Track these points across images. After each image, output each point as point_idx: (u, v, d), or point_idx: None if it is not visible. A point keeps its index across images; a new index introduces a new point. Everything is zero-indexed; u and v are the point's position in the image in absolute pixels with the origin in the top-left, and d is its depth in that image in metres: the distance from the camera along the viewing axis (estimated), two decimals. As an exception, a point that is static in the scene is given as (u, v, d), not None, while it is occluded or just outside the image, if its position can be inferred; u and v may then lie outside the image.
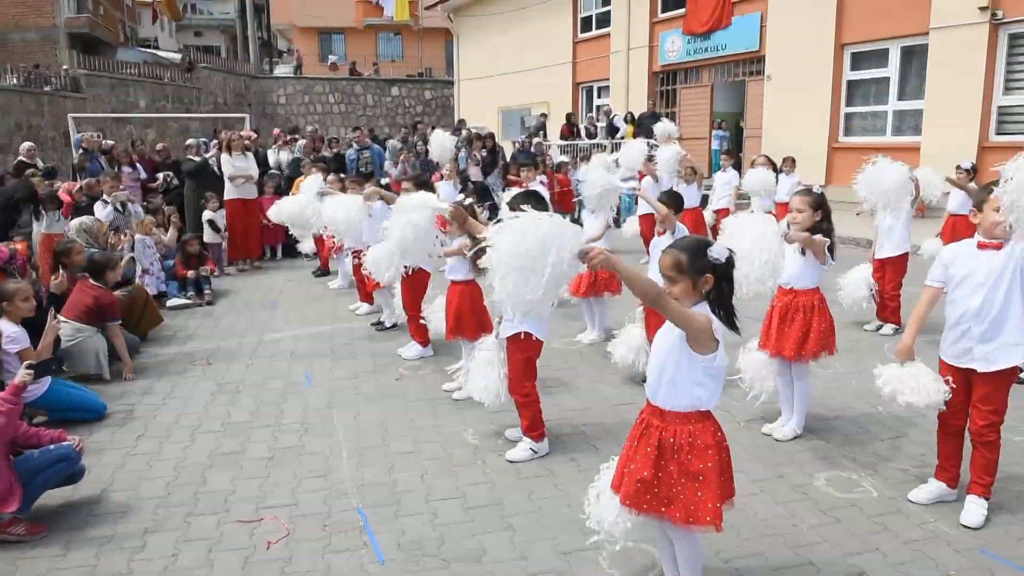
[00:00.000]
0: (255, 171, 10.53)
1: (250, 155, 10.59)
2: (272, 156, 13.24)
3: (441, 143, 10.74)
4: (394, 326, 6.92)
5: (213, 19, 55.24)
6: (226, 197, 10.23)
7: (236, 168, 10.17)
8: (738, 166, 12.58)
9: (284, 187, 11.87)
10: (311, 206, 7.92)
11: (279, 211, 8.34)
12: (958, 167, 7.56)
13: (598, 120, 19.00)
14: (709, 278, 2.51)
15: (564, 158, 15.76)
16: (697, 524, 2.53)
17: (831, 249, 4.05)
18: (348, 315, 7.68)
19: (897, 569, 3.10)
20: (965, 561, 3.15)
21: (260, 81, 30.74)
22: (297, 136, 14.81)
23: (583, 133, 18.48)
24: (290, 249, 11.42)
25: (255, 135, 12.69)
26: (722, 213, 10.54)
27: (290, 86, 30.95)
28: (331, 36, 37.01)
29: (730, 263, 2.52)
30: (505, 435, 4.43)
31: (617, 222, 6.43)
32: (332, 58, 34.68)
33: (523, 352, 4.11)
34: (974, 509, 3.43)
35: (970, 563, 3.13)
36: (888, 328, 6.53)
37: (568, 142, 17.86)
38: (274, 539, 3.41)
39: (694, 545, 2.72)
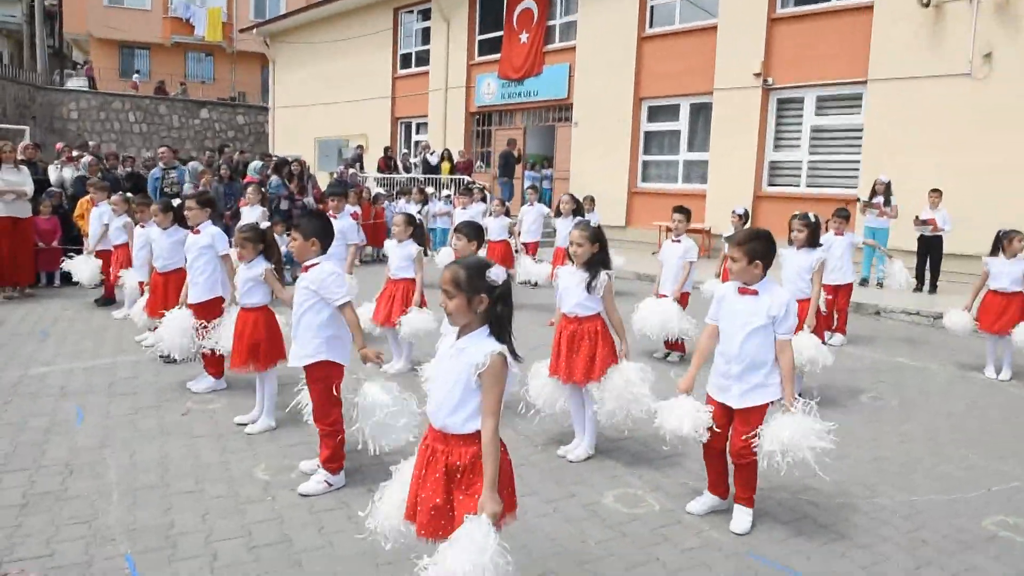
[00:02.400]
0: (30, 187, 9.44)
1: (24, 169, 9.50)
2: (54, 172, 11.98)
3: None
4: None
5: (-6, 22, 49.47)
6: (-8, 215, 9.06)
7: (6, 182, 9.06)
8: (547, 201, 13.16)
9: (68, 207, 10.77)
10: None
11: None
12: (733, 212, 8.39)
13: (415, 156, 19.16)
14: (484, 298, 2.52)
15: (381, 191, 15.69)
16: None
17: (607, 267, 4.42)
18: (133, 346, 7.03)
19: (675, 577, 3.29)
20: (734, 564, 3.41)
21: (48, 93, 27.89)
22: (84, 153, 13.53)
23: (400, 167, 18.53)
24: (71, 277, 10.35)
25: (32, 146, 11.43)
26: (531, 247, 10.95)
27: (84, 100, 28.35)
28: (134, 51, 34.40)
29: (506, 286, 2.55)
30: (300, 468, 4.22)
31: (426, 251, 6.48)
32: (136, 77, 32.12)
33: (324, 380, 3.96)
34: (741, 517, 3.74)
35: (738, 566, 3.39)
36: (675, 356, 7.05)
37: (385, 175, 17.81)
38: (17, 595, 2.98)
39: None
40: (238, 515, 3.73)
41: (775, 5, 13.65)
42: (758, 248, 3.56)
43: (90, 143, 16.45)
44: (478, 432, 2.53)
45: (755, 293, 3.59)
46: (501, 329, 2.56)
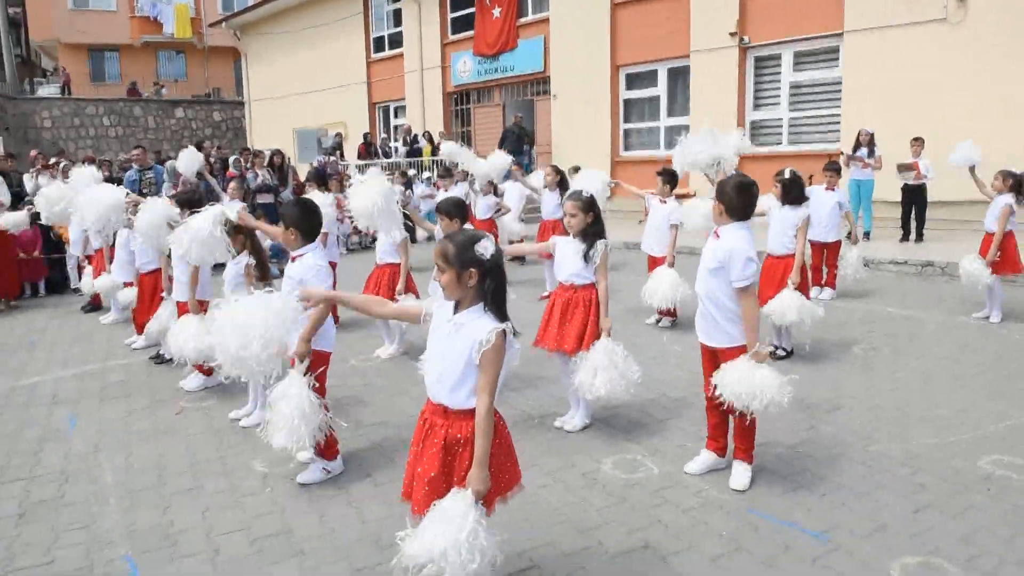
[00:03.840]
0: (6, 198, 9.33)
1: (-1, 180, 9.39)
2: (29, 182, 11.81)
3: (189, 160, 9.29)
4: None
5: (-44, 34, 48.66)
6: (-31, 229, 8.95)
7: (-20, 195, 8.96)
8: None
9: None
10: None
11: None
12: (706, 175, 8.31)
13: (396, 139, 18.95)
14: (474, 272, 2.50)
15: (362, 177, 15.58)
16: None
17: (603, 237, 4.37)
18: (123, 350, 6.98)
19: (678, 537, 3.30)
20: (735, 522, 3.42)
21: (19, 103, 27.52)
22: (60, 160, 13.37)
23: (380, 153, 18.39)
24: (56, 285, 10.29)
25: (5, 157, 11.27)
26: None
27: (56, 108, 28.00)
28: (103, 54, 33.88)
29: (495, 259, 2.53)
30: (297, 458, 4.20)
31: (413, 235, 6.41)
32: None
33: (309, 368, 3.93)
34: (740, 472, 3.75)
35: (739, 523, 3.41)
36: (666, 321, 7.05)
37: (365, 162, 17.67)
38: (20, 604, 2.97)
39: None
40: (238, 509, 3.72)
41: (747, -39, 13.53)
42: (726, 190, 3.67)
43: (64, 150, 16.29)
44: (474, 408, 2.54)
45: (717, 236, 3.67)
46: (496, 304, 2.54)
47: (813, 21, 12.68)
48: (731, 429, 3.82)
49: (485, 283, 2.52)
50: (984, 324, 6.74)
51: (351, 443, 4.39)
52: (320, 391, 3.88)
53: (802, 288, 5.68)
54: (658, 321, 7.06)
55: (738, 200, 3.63)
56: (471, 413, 2.54)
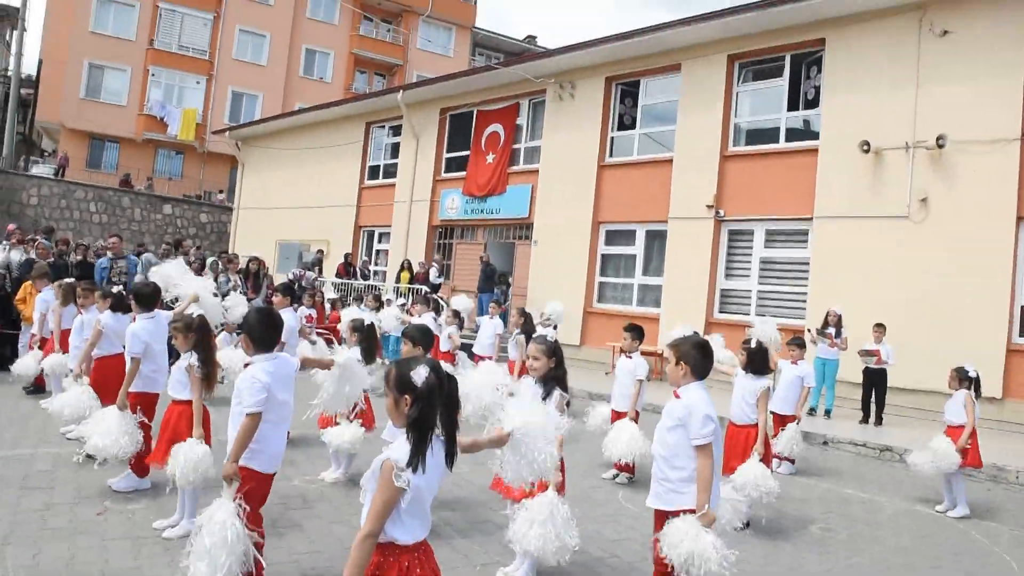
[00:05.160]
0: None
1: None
2: (0, 254, 11.70)
3: None
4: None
5: (-38, 106, 49.57)
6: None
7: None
8: (504, 317, 13.23)
9: (11, 288, 10.48)
10: None
11: None
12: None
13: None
14: (408, 399, 2.43)
15: (334, 295, 15.71)
16: None
17: (564, 386, 4.30)
18: (57, 438, 6.64)
19: None
20: None
21: (10, 177, 27.83)
22: (39, 237, 13.31)
23: (359, 274, 18.58)
24: (5, 361, 9.93)
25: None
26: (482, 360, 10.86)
27: (46, 187, 28.29)
28: (104, 143, 34.58)
29: (427, 389, 2.44)
30: (219, 578, 3.90)
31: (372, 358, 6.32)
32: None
33: (242, 485, 3.71)
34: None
35: None
36: (623, 477, 6.90)
37: (343, 280, 17.82)
38: None
39: None
40: (143, 629, 3.41)
41: (727, 143, 14.44)
42: (683, 350, 3.68)
43: (53, 228, 16.34)
44: (389, 544, 2.40)
45: (678, 396, 3.67)
46: (418, 433, 2.42)
47: (785, 204, 13.40)
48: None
49: (411, 412, 2.44)
50: (941, 517, 6.67)
51: (280, 569, 4.11)
52: (253, 517, 3.63)
53: (765, 460, 5.64)
54: (615, 476, 6.90)
55: (701, 360, 3.68)
56: (383, 547, 2.40)
